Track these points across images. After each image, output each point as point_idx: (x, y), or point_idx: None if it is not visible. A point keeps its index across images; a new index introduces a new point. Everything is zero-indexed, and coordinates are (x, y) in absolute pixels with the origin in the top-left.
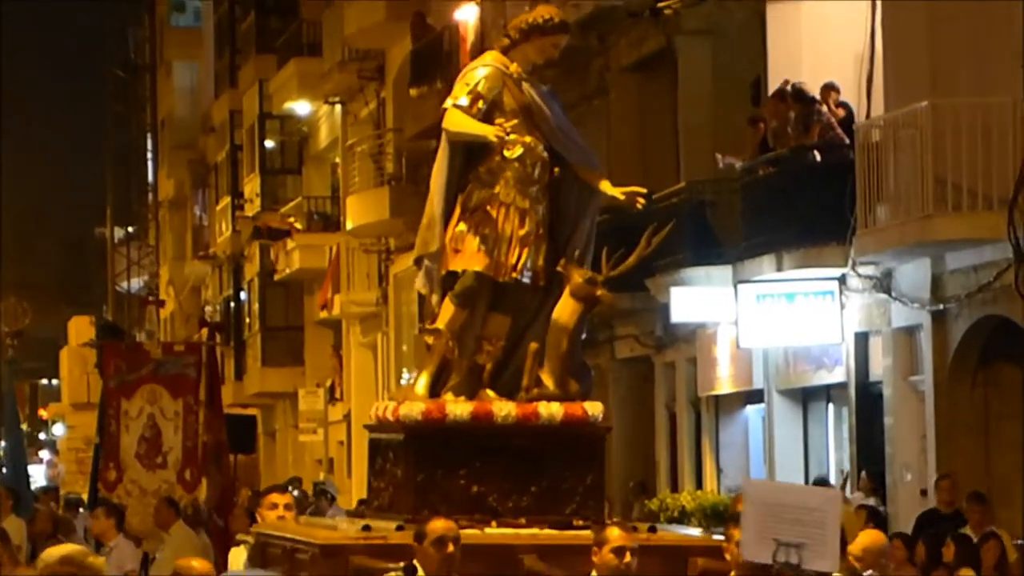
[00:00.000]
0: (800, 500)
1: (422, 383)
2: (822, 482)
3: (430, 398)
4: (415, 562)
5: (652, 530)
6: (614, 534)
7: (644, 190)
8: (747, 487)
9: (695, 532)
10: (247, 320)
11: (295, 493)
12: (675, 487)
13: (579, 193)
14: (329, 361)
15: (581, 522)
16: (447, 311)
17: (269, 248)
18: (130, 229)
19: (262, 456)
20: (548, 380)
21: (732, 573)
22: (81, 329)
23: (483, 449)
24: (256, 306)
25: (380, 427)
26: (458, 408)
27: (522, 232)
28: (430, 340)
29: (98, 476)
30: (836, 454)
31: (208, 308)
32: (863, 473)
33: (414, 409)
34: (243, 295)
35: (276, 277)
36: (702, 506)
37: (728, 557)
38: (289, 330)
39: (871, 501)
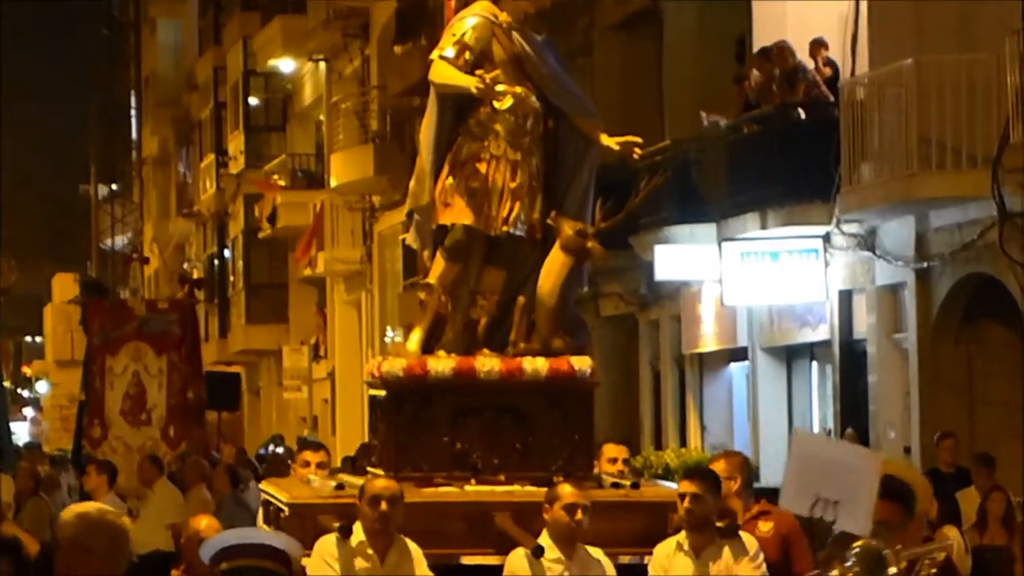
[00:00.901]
0: (846, 458)
1: (415, 339)
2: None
3: (423, 354)
4: (357, 523)
5: (635, 486)
6: (565, 491)
7: (639, 140)
8: (796, 438)
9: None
10: (231, 278)
11: (279, 451)
12: (659, 445)
13: (575, 144)
14: (313, 319)
15: (560, 478)
16: (438, 266)
17: (253, 206)
18: (114, 186)
19: (246, 414)
20: (535, 335)
21: (673, 526)
22: (65, 286)
23: (466, 406)
24: (240, 263)
25: (372, 383)
26: (440, 364)
27: (514, 185)
28: (422, 295)
29: (83, 433)
30: (820, 411)
31: (187, 265)
32: (848, 430)
33: (396, 365)
34: (227, 252)
35: (260, 235)
36: (686, 463)
37: (678, 514)
38: (273, 288)
39: None
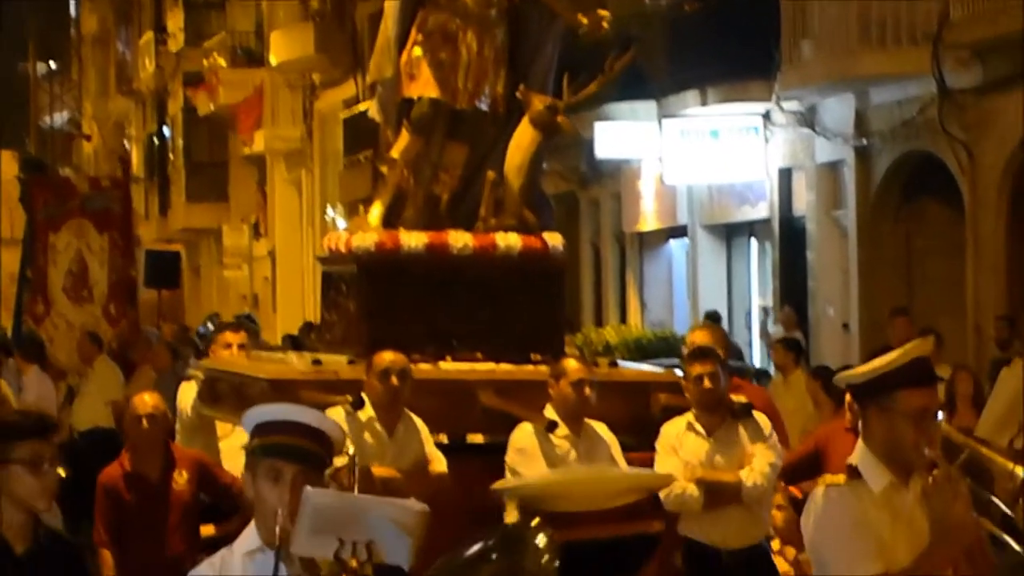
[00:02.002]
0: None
1: (376, 213)
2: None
3: (384, 229)
4: (363, 395)
5: (613, 365)
6: (572, 366)
7: (607, 13)
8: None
9: (656, 368)
10: (171, 156)
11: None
12: (600, 322)
13: (540, 17)
14: (254, 197)
15: (539, 357)
16: (402, 140)
17: (192, 86)
18: (53, 64)
19: (187, 292)
20: (503, 211)
21: (692, 409)
22: (4, 164)
23: (438, 281)
24: (180, 142)
25: (332, 259)
26: (413, 239)
27: (480, 57)
28: (384, 169)
29: (23, 310)
30: (759, 289)
31: (126, 143)
32: (785, 307)
33: (367, 240)
34: (167, 131)
35: (200, 113)
36: (626, 341)
37: (687, 395)
38: (214, 166)
39: (796, 335)
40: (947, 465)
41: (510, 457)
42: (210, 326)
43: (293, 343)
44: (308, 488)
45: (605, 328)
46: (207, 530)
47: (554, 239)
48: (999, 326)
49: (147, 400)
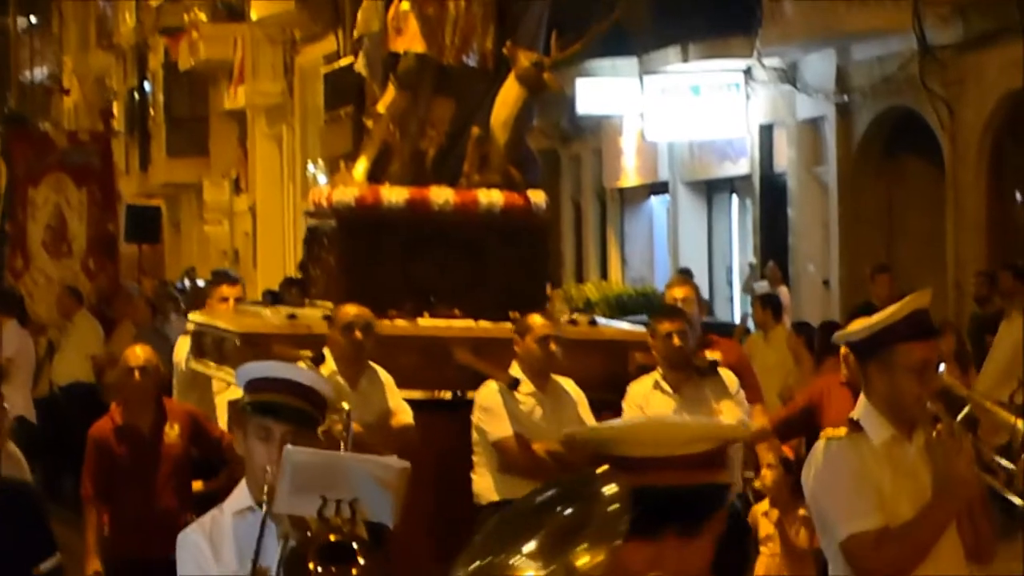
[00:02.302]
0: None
1: (361, 168)
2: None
3: (369, 184)
4: (324, 350)
5: (592, 323)
6: (537, 323)
7: None
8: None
9: (635, 325)
10: (151, 111)
11: (200, 283)
12: (580, 278)
13: None
14: (234, 152)
15: (518, 314)
16: (388, 94)
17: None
18: (33, 19)
19: (167, 247)
20: (488, 168)
21: (658, 368)
22: None
23: (418, 237)
24: (161, 96)
25: (316, 213)
26: (393, 194)
27: (468, 13)
28: (370, 124)
29: (2, 265)
30: (740, 245)
31: (108, 97)
32: (771, 263)
33: (347, 194)
34: (147, 86)
35: (180, 68)
36: (607, 297)
37: (654, 352)
38: (194, 121)
39: (782, 290)
40: (950, 420)
41: (476, 415)
42: (187, 282)
43: (273, 298)
44: (288, 447)
45: (586, 284)
46: (196, 486)
47: (537, 196)
48: (979, 282)
49: (139, 353)
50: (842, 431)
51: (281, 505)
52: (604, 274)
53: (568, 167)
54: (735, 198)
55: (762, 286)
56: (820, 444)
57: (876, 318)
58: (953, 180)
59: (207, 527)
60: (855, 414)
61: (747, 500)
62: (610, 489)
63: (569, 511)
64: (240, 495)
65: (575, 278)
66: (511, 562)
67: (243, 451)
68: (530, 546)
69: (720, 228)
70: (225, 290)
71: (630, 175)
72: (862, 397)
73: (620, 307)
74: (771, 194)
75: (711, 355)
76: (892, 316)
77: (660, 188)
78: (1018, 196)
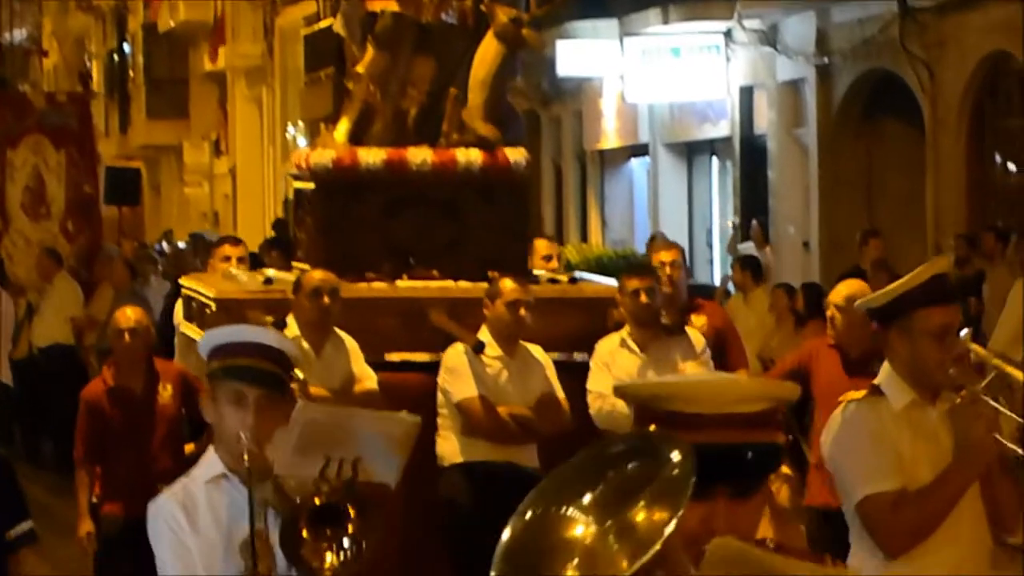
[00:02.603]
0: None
1: (343, 129)
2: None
3: (352, 145)
4: (289, 317)
5: (573, 281)
6: (507, 287)
7: None
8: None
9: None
10: (131, 73)
11: (181, 245)
12: (561, 241)
13: None
14: (214, 114)
15: (496, 274)
16: (368, 55)
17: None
18: None
19: (147, 209)
20: (467, 126)
21: (626, 326)
22: None
23: (397, 198)
24: (140, 58)
25: (299, 175)
26: (371, 155)
27: None
28: (350, 85)
29: None
30: (720, 207)
31: (87, 59)
32: (754, 223)
33: (325, 156)
34: (127, 47)
35: (160, 30)
36: (587, 259)
37: (622, 309)
38: (174, 83)
39: (767, 251)
40: (972, 385)
41: (441, 377)
42: (164, 244)
43: (253, 261)
44: (301, 403)
45: (566, 246)
46: (187, 448)
47: (517, 154)
48: (958, 244)
49: (129, 314)
50: (862, 394)
51: (283, 466)
52: (584, 236)
53: (548, 129)
54: (715, 160)
55: (747, 247)
56: (839, 408)
57: (895, 284)
58: (933, 142)
59: (179, 496)
60: (878, 380)
61: None
62: (677, 452)
63: (632, 467)
64: (211, 462)
65: (556, 240)
66: (565, 513)
67: (213, 418)
68: (587, 498)
69: (700, 190)
70: (228, 249)
71: (610, 137)
72: (885, 364)
73: (600, 269)
74: (751, 156)
75: (697, 319)
76: (911, 282)
77: (640, 150)
78: (998, 158)
